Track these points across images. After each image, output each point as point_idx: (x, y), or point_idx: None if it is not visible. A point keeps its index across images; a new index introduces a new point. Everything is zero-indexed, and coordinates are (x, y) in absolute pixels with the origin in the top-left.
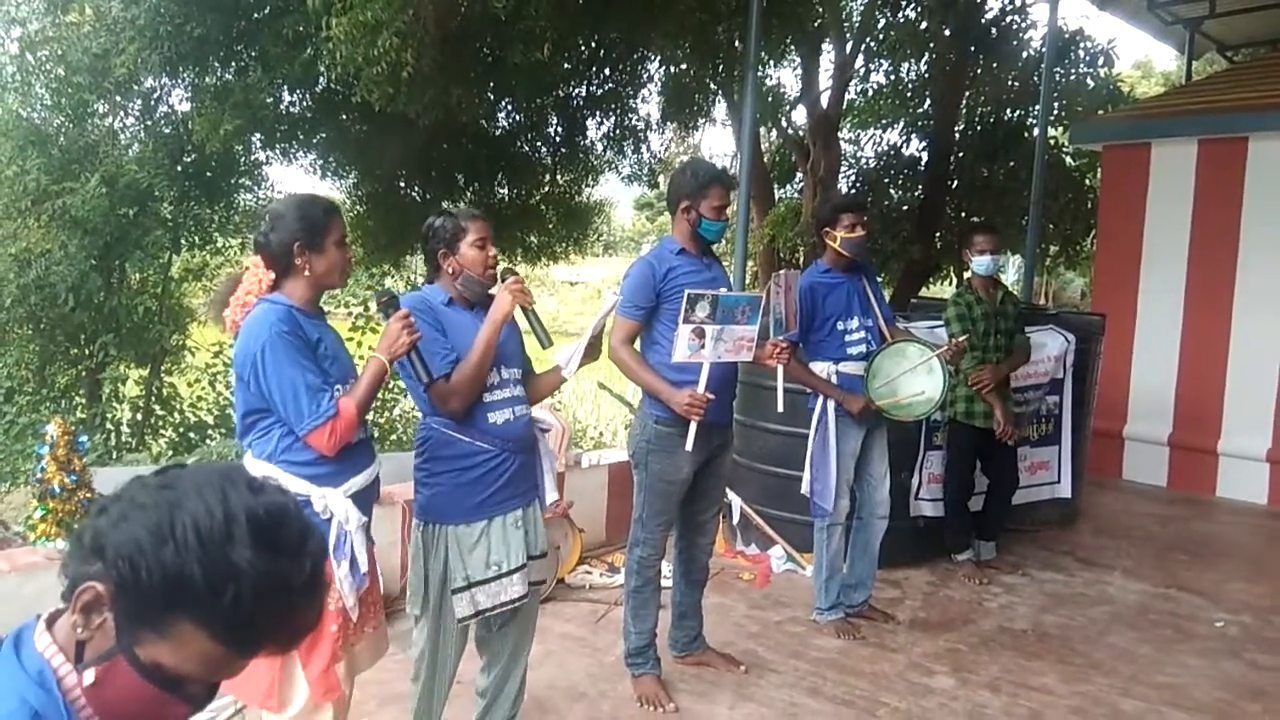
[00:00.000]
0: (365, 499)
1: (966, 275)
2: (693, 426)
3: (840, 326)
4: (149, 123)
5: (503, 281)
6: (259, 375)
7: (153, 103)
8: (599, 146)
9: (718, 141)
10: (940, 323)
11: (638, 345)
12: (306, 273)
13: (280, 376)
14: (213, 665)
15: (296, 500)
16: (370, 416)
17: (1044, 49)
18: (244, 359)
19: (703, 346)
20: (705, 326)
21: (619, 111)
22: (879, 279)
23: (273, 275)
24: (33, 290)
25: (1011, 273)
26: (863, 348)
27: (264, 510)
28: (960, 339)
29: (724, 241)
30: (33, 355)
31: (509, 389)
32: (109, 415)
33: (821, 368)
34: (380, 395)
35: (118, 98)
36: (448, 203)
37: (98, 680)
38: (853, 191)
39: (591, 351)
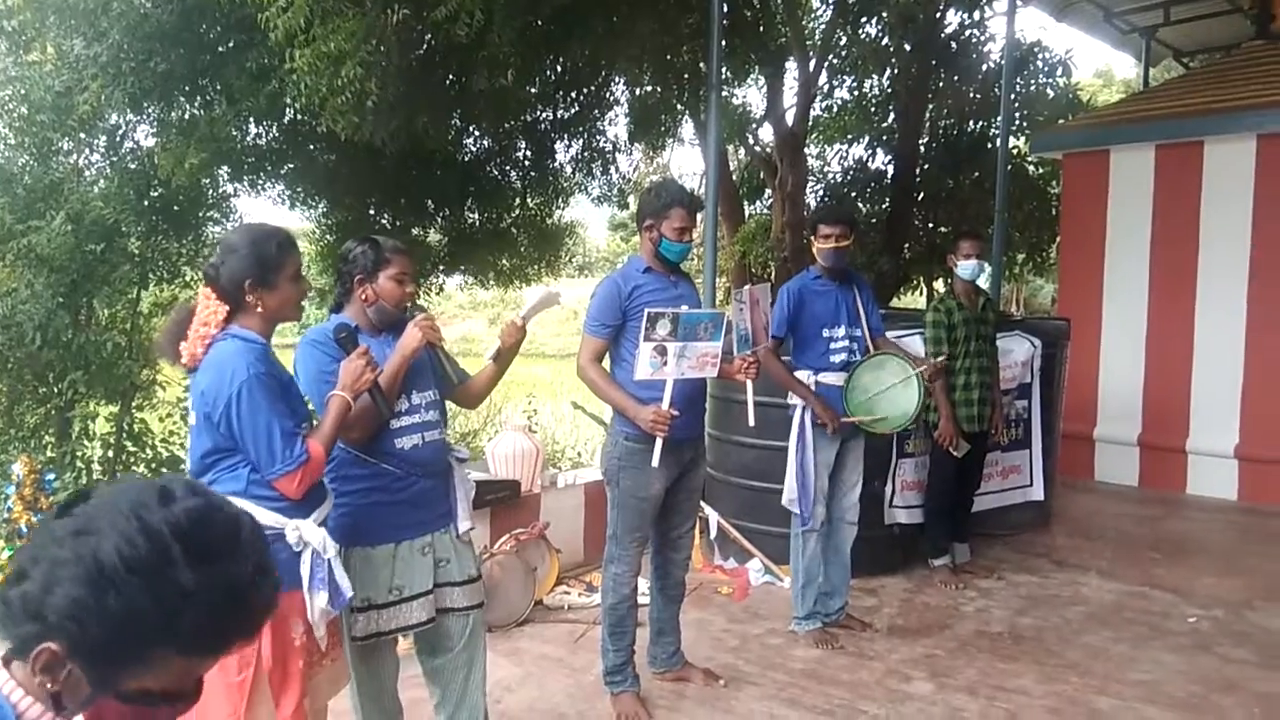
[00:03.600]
0: (328, 525)
1: (949, 282)
2: (658, 443)
3: (825, 334)
4: (114, 159)
5: (412, 318)
6: (232, 417)
7: (118, 139)
8: (568, 169)
9: (686, 161)
10: (908, 332)
11: (606, 363)
12: (259, 309)
13: (255, 420)
14: (193, 672)
15: (210, 492)
16: None
17: (1003, 61)
18: (215, 398)
19: (665, 364)
20: (667, 344)
21: (587, 134)
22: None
23: (226, 307)
24: None
25: (984, 281)
26: (844, 356)
27: (185, 519)
28: (940, 359)
29: (695, 259)
30: (0, 395)
31: (419, 414)
32: (79, 453)
33: (802, 376)
34: None
35: (82, 135)
36: (436, 229)
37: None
38: (832, 202)
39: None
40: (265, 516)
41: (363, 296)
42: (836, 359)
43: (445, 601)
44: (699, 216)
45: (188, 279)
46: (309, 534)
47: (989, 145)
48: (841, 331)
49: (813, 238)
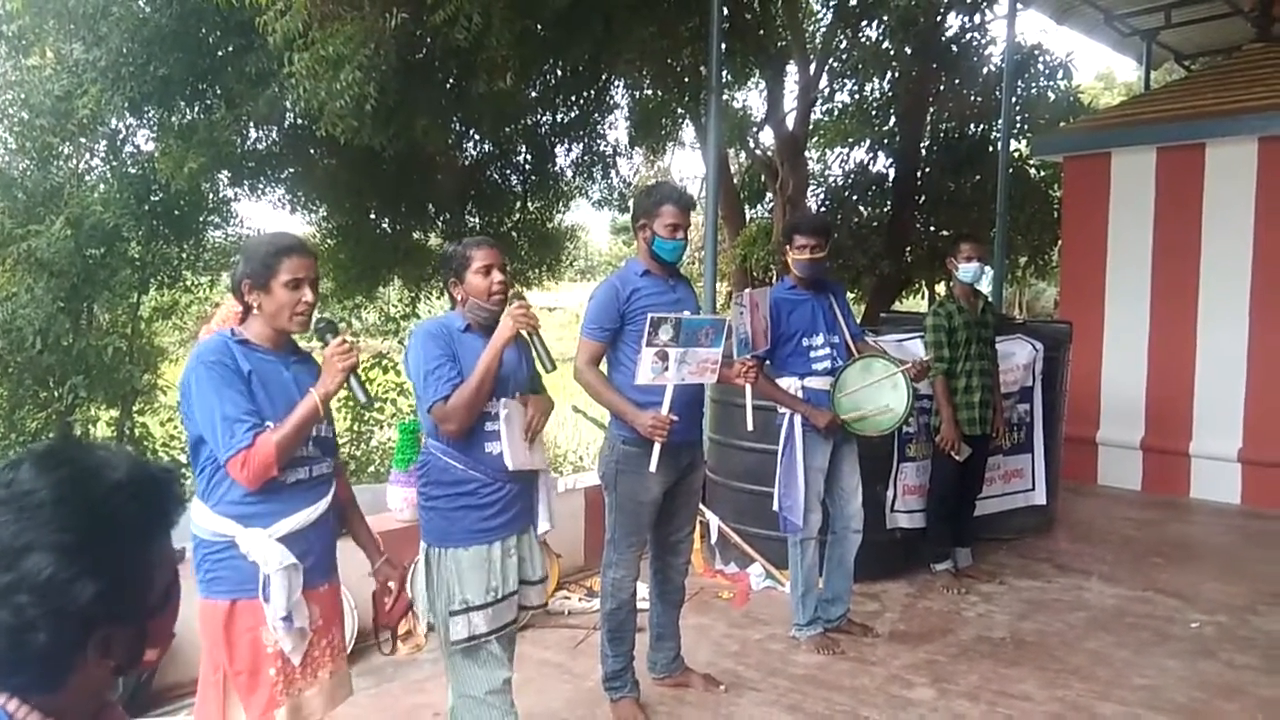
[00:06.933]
0: (308, 539)
1: (949, 285)
2: (656, 447)
3: (805, 342)
4: (114, 163)
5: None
6: (191, 404)
7: (118, 143)
8: (568, 173)
9: (687, 164)
10: (910, 336)
11: (603, 366)
12: (257, 311)
13: (202, 405)
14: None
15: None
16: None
17: (1004, 64)
18: (181, 388)
19: (666, 369)
20: (668, 349)
21: (587, 138)
22: (850, 295)
23: (240, 308)
24: None
25: (984, 284)
26: (828, 363)
27: (64, 542)
28: (926, 358)
29: (695, 263)
30: (1, 399)
31: None
32: None
33: (788, 383)
34: (355, 428)
35: (82, 139)
36: (437, 233)
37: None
38: (821, 210)
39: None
40: (217, 523)
41: (459, 297)
42: (819, 366)
43: (521, 599)
44: (695, 217)
45: (188, 284)
46: (255, 547)
47: (990, 148)
48: (820, 339)
49: (788, 247)
